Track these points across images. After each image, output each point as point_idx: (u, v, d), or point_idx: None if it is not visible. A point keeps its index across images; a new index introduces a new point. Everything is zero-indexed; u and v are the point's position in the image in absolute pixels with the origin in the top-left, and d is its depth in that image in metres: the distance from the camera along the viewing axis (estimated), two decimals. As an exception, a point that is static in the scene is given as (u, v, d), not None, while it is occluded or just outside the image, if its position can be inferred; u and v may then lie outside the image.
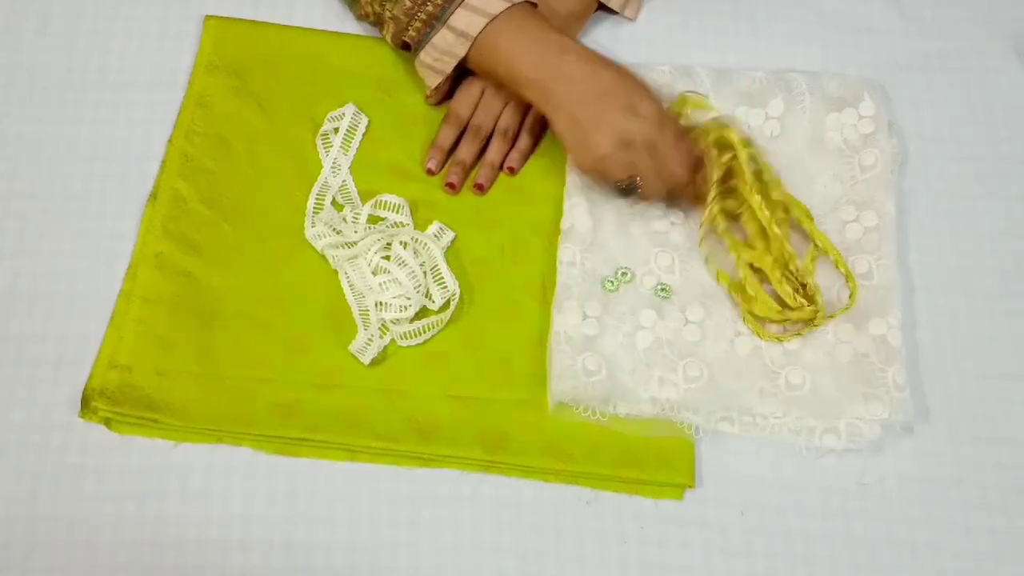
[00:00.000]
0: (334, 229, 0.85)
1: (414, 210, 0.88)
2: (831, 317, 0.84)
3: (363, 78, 0.93)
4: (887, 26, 1.00)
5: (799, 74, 0.94)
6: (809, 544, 0.79)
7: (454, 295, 0.84)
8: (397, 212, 0.87)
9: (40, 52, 0.94)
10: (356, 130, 0.91)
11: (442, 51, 0.85)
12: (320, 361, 0.82)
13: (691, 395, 0.81)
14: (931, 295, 0.88)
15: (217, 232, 0.86)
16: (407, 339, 0.83)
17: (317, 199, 0.88)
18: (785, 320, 0.84)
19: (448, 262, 0.85)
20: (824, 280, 0.86)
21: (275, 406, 0.80)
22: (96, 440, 0.80)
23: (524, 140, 0.90)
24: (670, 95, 0.89)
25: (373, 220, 0.87)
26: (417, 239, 0.85)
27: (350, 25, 0.95)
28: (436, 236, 0.87)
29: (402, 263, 0.83)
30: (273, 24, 0.95)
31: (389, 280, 0.83)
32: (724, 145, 0.85)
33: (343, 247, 0.85)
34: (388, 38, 0.90)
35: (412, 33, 0.86)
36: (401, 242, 0.84)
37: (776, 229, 0.84)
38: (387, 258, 0.84)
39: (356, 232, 0.85)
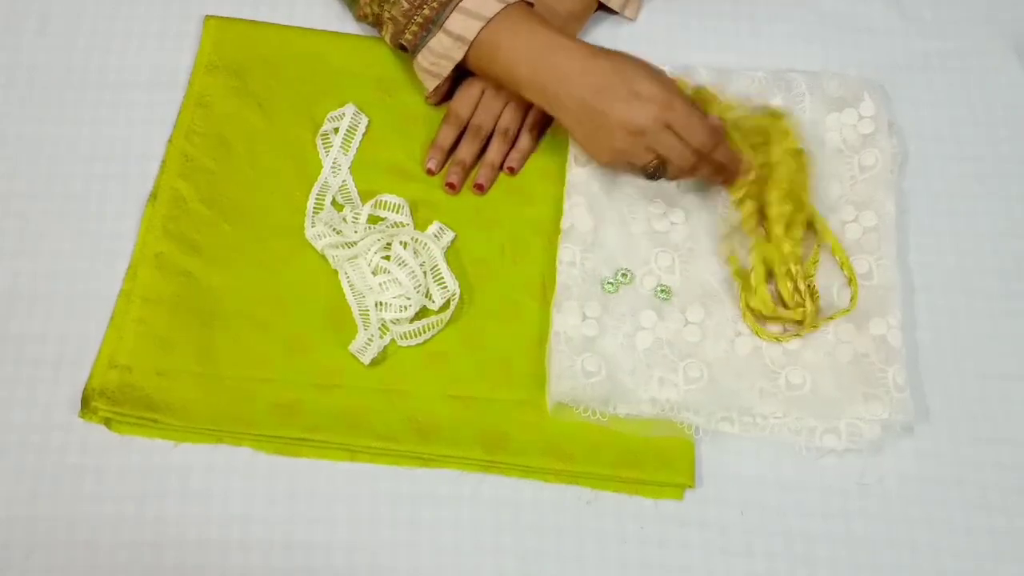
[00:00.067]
0: (334, 229, 0.85)
1: (414, 210, 0.88)
2: (830, 319, 0.84)
3: (363, 78, 0.93)
4: (887, 26, 1.00)
5: (799, 74, 0.94)
6: (809, 544, 0.79)
7: (454, 295, 0.84)
8: (397, 212, 0.87)
9: (40, 52, 0.94)
10: (356, 130, 0.91)
11: (439, 55, 0.85)
12: (320, 361, 0.82)
13: (691, 395, 0.81)
14: (931, 295, 0.88)
15: (217, 232, 0.86)
16: (407, 339, 0.83)
17: (317, 199, 0.88)
18: (777, 318, 0.83)
19: (448, 262, 0.85)
20: (824, 279, 0.86)
21: (275, 406, 0.80)
22: (96, 440, 0.80)
23: (524, 140, 0.90)
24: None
25: (373, 220, 0.87)
26: (417, 239, 0.85)
27: (350, 25, 0.95)
28: (436, 236, 0.87)
29: (402, 263, 0.83)
30: (273, 24, 0.95)
31: (389, 280, 0.83)
32: (771, 133, 0.86)
33: (343, 247, 0.85)
34: (387, 39, 0.90)
35: (409, 36, 0.86)
36: (401, 242, 0.84)
37: (778, 230, 0.84)
38: (387, 258, 0.84)
39: (356, 232, 0.85)
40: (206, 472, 0.79)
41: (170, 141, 0.89)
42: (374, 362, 0.82)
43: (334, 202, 0.88)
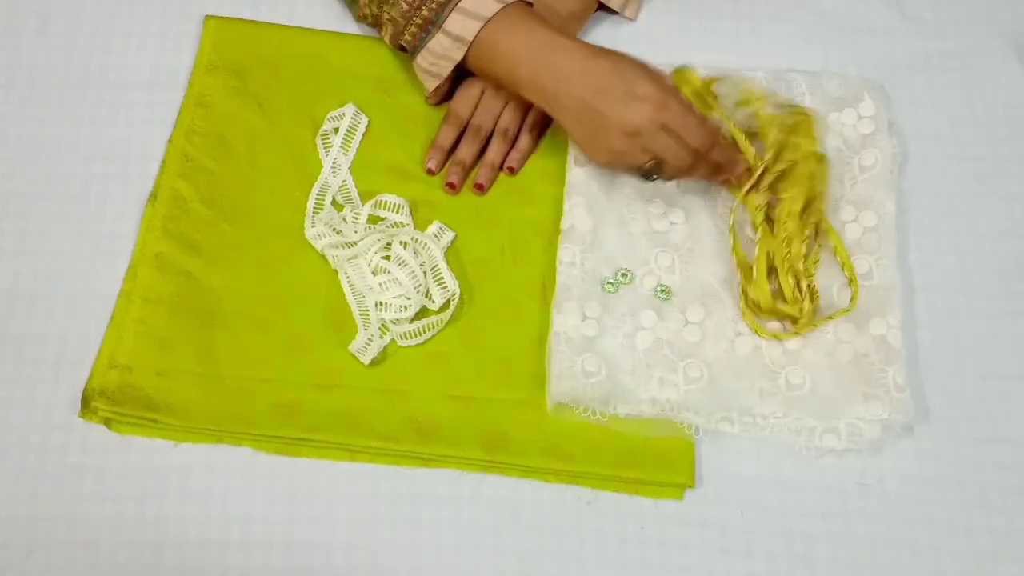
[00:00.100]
0: (334, 229, 0.85)
1: (414, 210, 0.88)
2: (829, 318, 0.84)
3: (363, 78, 0.93)
4: (887, 26, 1.00)
5: (799, 74, 0.94)
6: (809, 544, 0.79)
7: (454, 295, 0.84)
8: (397, 212, 0.87)
9: (40, 52, 0.94)
10: (356, 130, 0.91)
11: (438, 56, 0.85)
12: (320, 361, 0.82)
13: (691, 395, 0.81)
14: (931, 295, 0.88)
15: (217, 232, 0.86)
16: (407, 339, 0.83)
17: (317, 199, 0.88)
18: (775, 312, 0.83)
19: (448, 262, 0.85)
20: (824, 279, 0.86)
21: (275, 406, 0.80)
22: (96, 440, 0.80)
23: (524, 140, 0.90)
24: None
25: (373, 220, 0.87)
26: (417, 239, 0.85)
27: (350, 25, 0.95)
28: (436, 236, 0.87)
29: (402, 263, 0.83)
30: (273, 24, 0.95)
31: (389, 280, 0.83)
32: (798, 130, 0.86)
33: (343, 247, 0.85)
34: (387, 39, 0.90)
35: (408, 38, 0.86)
36: (401, 242, 0.84)
37: (791, 226, 0.84)
38: (387, 258, 0.84)
39: (356, 232, 0.85)
40: (206, 472, 0.79)
41: (170, 141, 0.89)
42: (374, 362, 0.82)
43: (334, 202, 0.88)
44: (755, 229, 0.86)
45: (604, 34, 0.97)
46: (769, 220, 0.86)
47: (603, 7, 0.97)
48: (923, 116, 0.95)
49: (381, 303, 0.83)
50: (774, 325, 0.84)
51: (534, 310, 0.85)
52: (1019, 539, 0.80)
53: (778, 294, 0.84)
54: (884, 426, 0.82)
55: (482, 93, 0.90)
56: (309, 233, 0.86)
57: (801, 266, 0.84)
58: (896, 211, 0.89)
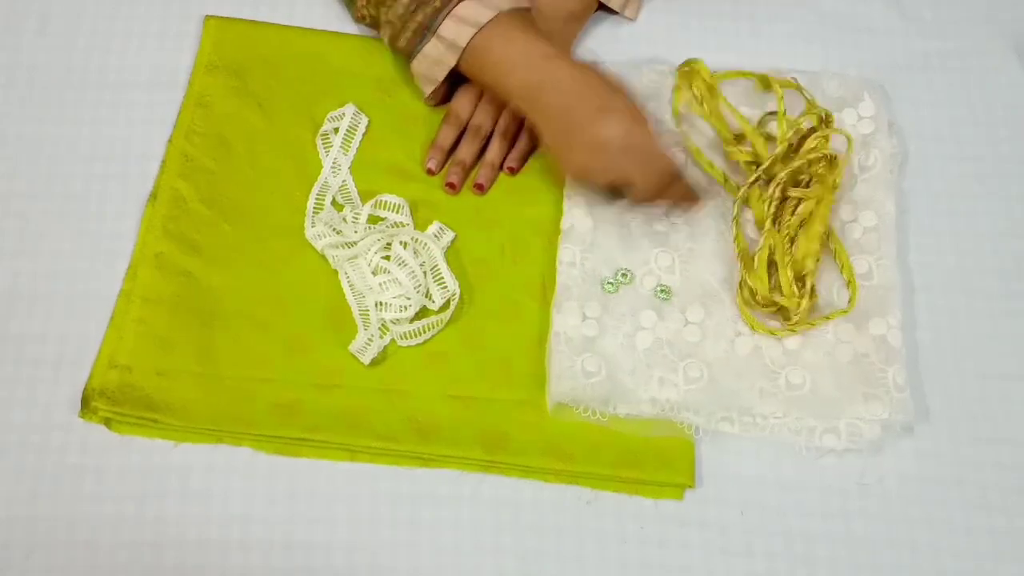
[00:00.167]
0: (334, 229, 0.85)
1: (414, 210, 0.88)
2: (827, 318, 0.84)
3: (363, 78, 0.93)
4: (887, 26, 1.00)
5: (799, 74, 0.93)
6: (809, 544, 0.79)
7: (454, 295, 0.84)
8: (397, 212, 0.87)
9: (40, 52, 0.94)
10: (356, 130, 0.91)
11: (433, 60, 0.85)
12: (320, 361, 0.82)
13: (691, 395, 0.81)
14: (931, 295, 0.88)
15: (217, 232, 0.86)
16: (407, 339, 0.83)
17: (317, 199, 0.88)
18: (771, 303, 0.83)
19: (448, 262, 0.85)
20: (824, 279, 0.86)
21: (275, 406, 0.80)
22: (96, 440, 0.80)
23: (524, 140, 0.90)
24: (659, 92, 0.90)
25: (373, 220, 0.87)
26: (417, 239, 0.85)
27: (350, 25, 0.95)
28: (436, 236, 0.87)
29: (402, 263, 0.83)
30: (273, 24, 0.95)
31: (389, 280, 0.83)
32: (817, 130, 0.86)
33: (343, 247, 0.85)
34: (386, 41, 0.90)
35: (403, 43, 0.86)
36: (401, 242, 0.84)
37: (786, 226, 0.84)
38: (387, 258, 0.84)
39: (356, 232, 0.85)
40: (206, 472, 0.79)
41: (170, 141, 0.90)
42: (374, 362, 0.82)
43: (334, 202, 0.88)
44: (758, 224, 0.86)
45: (604, 34, 0.97)
46: (776, 216, 0.85)
47: (603, 7, 0.97)
48: (923, 116, 0.95)
49: (381, 303, 0.83)
50: (773, 323, 0.84)
51: (534, 310, 0.85)
52: (1019, 539, 0.80)
53: (776, 287, 0.84)
54: (884, 426, 0.82)
55: (482, 93, 0.90)
56: (309, 233, 0.86)
57: (811, 264, 0.84)
58: (896, 211, 0.89)
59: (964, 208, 0.92)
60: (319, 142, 0.90)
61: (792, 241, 0.85)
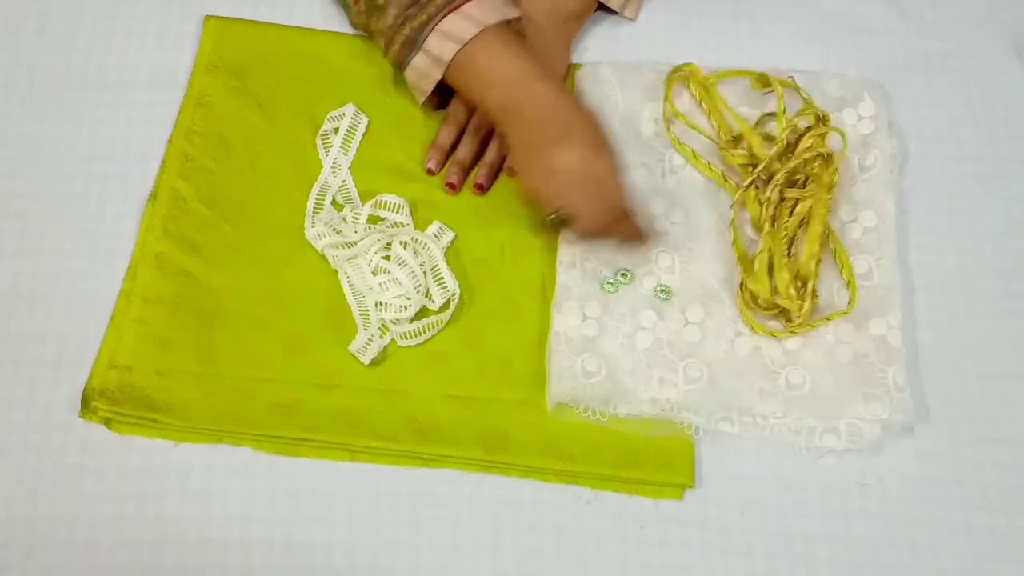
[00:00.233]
0: (334, 229, 0.85)
1: (414, 210, 0.88)
2: (827, 319, 0.84)
3: (363, 78, 0.93)
4: (887, 26, 1.00)
5: (799, 74, 0.93)
6: (809, 544, 0.79)
7: (454, 295, 0.84)
8: (397, 212, 0.87)
9: (40, 52, 0.94)
10: (356, 130, 0.91)
11: (421, 73, 0.85)
12: (320, 361, 0.82)
13: (691, 396, 0.81)
14: (931, 295, 0.88)
15: (217, 232, 0.86)
16: (407, 339, 0.83)
17: (317, 199, 0.88)
18: (772, 306, 0.83)
19: (448, 262, 0.85)
20: (824, 279, 0.86)
21: (275, 406, 0.80)
22: (96, 440, 0.80)
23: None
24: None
25: (373, 220, 0.87)
26: (417, 239, 0.85)
27: (350, 26, 0.95)
28: (436, 236, 0.87)
29: (402, 263, 0.83)
30: (273, 24, 0.95)
31: (389, 280, 0.83)
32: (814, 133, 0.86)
33: (343, 247, 0.85)
34: (382, 48, 0.90)
35: (392, 55, 0.86)
36: (401, 242, 0.84)
37: (783, 227, 0.84)
38: (387, 258, 0.84)
39: (356, 232, 0.85)
40: (206, 472, 0.79)
41: (170, 141, 0.90)
42: (374, 362, 0.82)
43: (334, 202, 0.88)
44: (756, 225, 0.86)
45: (604, 34, 0.97)
46: (774, 217, 0.85)
47: (603, 7, 0.97)
48: (923, 116, 0.95)
49: (381, 303, 0.83)
50: (773, 324, 0.84)
51: (534, 310, 0.85)
52: (1019, 539, 0.80)
53: (777, 289, 0.84)
54: (884, 426, 0.82)
55: (482, 94, 0.90)
56: (309, 233, 0.86)
57: (813, 266, 0.84)
58: (896, 211, 0.89)
59: (964, 208, 0.92)
60: (319, 142, 0.90)
61: (792, 242, 0.85)
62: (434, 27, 0.83)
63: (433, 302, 0.84)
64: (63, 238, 0.86)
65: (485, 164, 0.90)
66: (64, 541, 0.77)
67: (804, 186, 0.86)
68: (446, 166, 0.90)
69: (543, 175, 0.80)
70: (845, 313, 0.84)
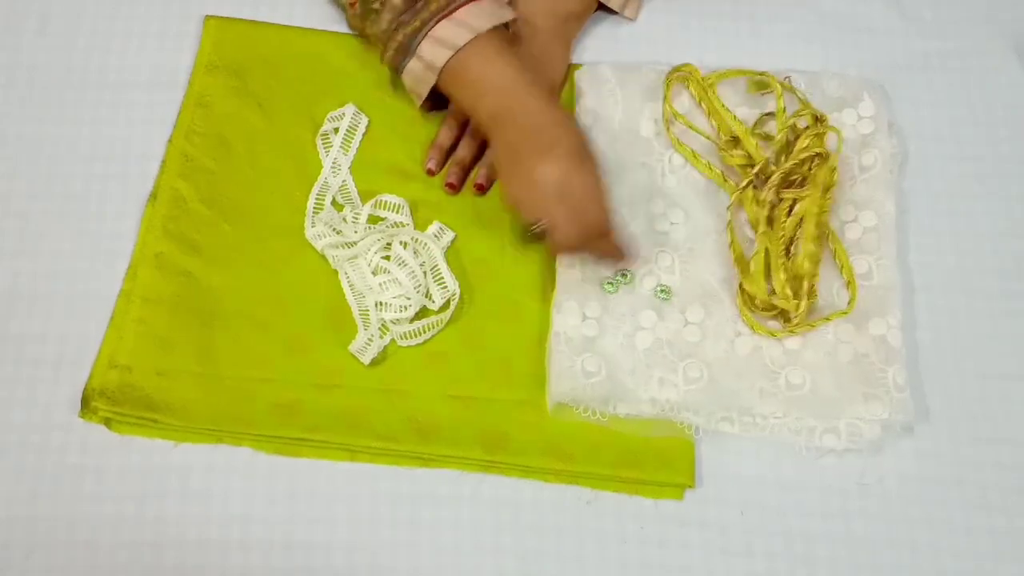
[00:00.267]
0: (334, 229, 0.85)
1: (414, 210, 0.88)
2: (826, 319, 0.84)
3: (363, 78, 0.93)
4: (887, 26, 1.00)
5: (799, 74, 0.94)
6: (809, 544, 0.79)
7: (454, 295, 0.84)
8: (397, 212, 0.87)
9: (40, 52, 0.94)
10: (356, 130, 0.91)
11: (416, 78, 0.85)
12: (320, 361, 0.82)
13: (691, 396, 0.81)
14: (931, 295, 0.88)
15: (217, 232, 0.86)
16: (407, 339, 0.83)
17: (317, 199, 0.88)
18: (770, 307, 0.83)
19: (448, 262, 0.85)
20: (824, 279, 0.86)
21: (275, 406, 0.80)
22: (96, 440, 0.80)
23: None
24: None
25: (373, 220, 0.87)
26: (417, 239, 0.85)
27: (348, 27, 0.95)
28: (436, 236, 0.87)
29: (402, 263, 0.83)
30: (273, 24, 0.95)
31: (389, 280, 0.83)
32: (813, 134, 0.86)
33: (343, 247, 0.85)
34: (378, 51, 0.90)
35: (387, 60, 0.86)
36: (401, 242, 0.84)
37: (780, 228, 0.84)
38: (387, 258, 0.84)
39: (356, 232, 0.85)
40: (206, 472, 0.79)
41: (170, 141, 0.90)
42: (374, 362, 0.82)
43: (334, 202, 0.88)
44: (753, 226, 0.86)
45: (604, 34, 0.97)
46: (771, 218, 0.85)
47: (603, 7, 0.97)
48: (923, 116, 0.95)
49: (381, 303, 0.83)
50: (772, 324, 0.84)
51: (534, 310, 0.85)
52: (1019, 539, 0.80)
53: (773, 290, 0.84)
54: (884, 426, 0.82)
55: (481, 94, 0.90)
56: (309, 233, 0.86)
57: (807, 265, 0.84)
58: (896, 211, 0.89)
59: (964, 208, 0.92)
60: (319, 142, 0.90)
61: (791, 242, 0.85)
62: (427, 33, 0.83)
63: (433, 302, 0.84)
64: (63, 238, 0.86)
65: (485, 164, 0.89)
66: (64, 541, 0.77)
67: (802, 186, 0.86)
68: (446, 166, 0.90)
69: (524, 186, 0.80)
70: (845, 313, 0.84)
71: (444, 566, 0.77)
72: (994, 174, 0.94)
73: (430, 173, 0.90)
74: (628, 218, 0.88)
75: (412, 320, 0.83)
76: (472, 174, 0.90)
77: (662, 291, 0.85)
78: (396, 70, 0.86)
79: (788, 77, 0.92)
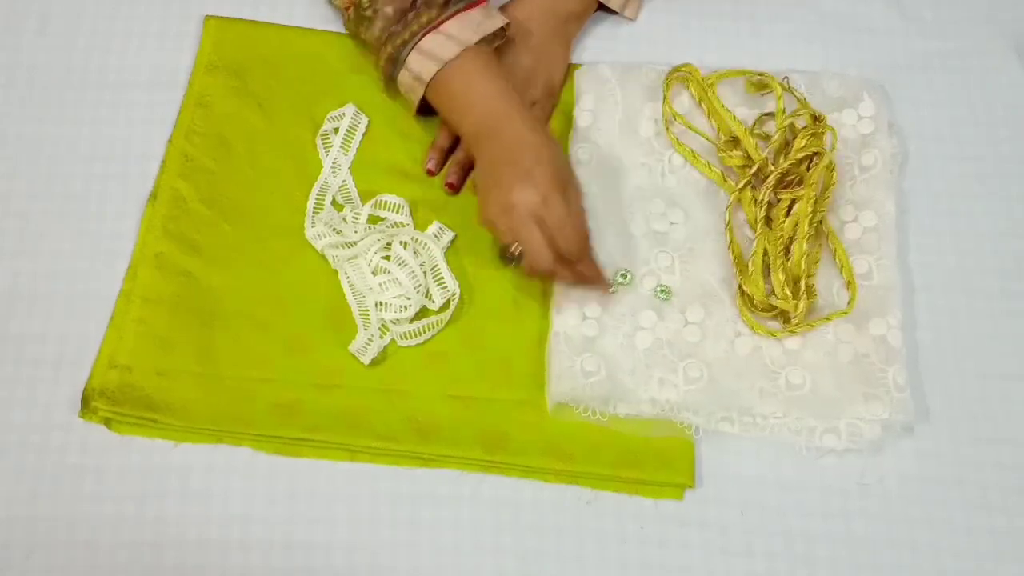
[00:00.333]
0: (334, 229, 0.85)
1: (414, 210, 0.88)
2: (826, 319, 0.84)
3: (363, 78, 0.93)
4: (887, 26, 1.00)
5: (799, 74, 0.94)
6: (809, 544, 0.79)
7: (454, 295, 0.84)
8: (397, 212, 0.87)
9: (40, 52, 0.94)
10: (356, 130, 0.91)
11: (407, 88, 0.86)
12: (320, 361, 0.82)
13: (691, 396, 0.81)
14: (931, 295, 0.88)
15: (217, 232, 0.86)
16: (407, 339, 0.83)
17: (317, 199, 0.88)
18: (769, 307, 0.83)
19: (448, 262, 0.85)
20: (824, 279, 0.86)
21: (275, 406, 0.80)
22: (96, 440, 0.80)
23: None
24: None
25: (373, 220, 0.87)
26: (417, 239, 0.85)
27: (349, 26, 0.95)
28: (436, 236, 0.87)
29: (402, 263, 0.83)
30: (273, 24, 0.95)
31: (389, 280, 0.83)
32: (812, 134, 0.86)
33: (343, 247, 0.85)
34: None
35: (380, 69, 0.87)
36: (401, 242, 0.84)
37: (779, 227, 0.84)
38: (387, 258, 0.84)
39: (356, 232, 0.85)
40: (206, 472, 0.79)
41: (170, 141, 0.90)
42: (374, 362, 0.82)
43: (334, 202, 0.88)
44: (752, 226, 0.86)
45: (604, 34, 0.97)
46: (769, 218, 0.86)
47: (603, 7, 0.97)
48: (923, 116, 0.95)
49: (381, 303, 0.83)
50: (772, 324, 0.84)
51: (534, 310, 0.85)
52: (1019, 539, 0.80)
53: (772, 290, 0.84)
54: (884, 426, 0.82)
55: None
56: (309, 233, 0.86)
57: (804, 265, 0.84)
58: (896, 211, 0.89)
59: (964, 208, 0.92)
60: (319, 142, 0.90)
61: (790, 242, 0.85)
62: (415, 45, 0.83)
63: (433, 302, 0.84)
64: (63, 238, 0.86)
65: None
66: (64, 541, 0.77)
67: (799, 186, 0.86)
68: (446, 166, 0.90)
69: (500, 209, 0.80)
70: (845, 313, 0.84)
71: (444, 566, 0.77)
72: (994, 174, 0.94)
73: (430, 173, 0.90)
74: (627, 218, 0.88)
75: (412, 320, 0.83)
76: (472, 174, 0.90)
77: (662, 291, 0.85)
78: (389, 78, 0.87)
79: (787, 77, 0.92)
